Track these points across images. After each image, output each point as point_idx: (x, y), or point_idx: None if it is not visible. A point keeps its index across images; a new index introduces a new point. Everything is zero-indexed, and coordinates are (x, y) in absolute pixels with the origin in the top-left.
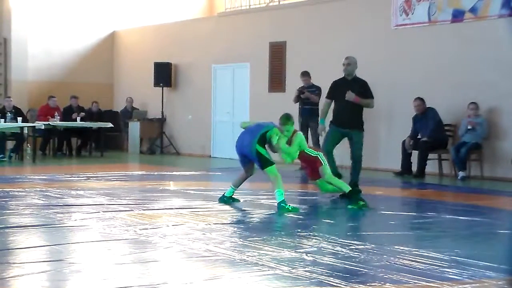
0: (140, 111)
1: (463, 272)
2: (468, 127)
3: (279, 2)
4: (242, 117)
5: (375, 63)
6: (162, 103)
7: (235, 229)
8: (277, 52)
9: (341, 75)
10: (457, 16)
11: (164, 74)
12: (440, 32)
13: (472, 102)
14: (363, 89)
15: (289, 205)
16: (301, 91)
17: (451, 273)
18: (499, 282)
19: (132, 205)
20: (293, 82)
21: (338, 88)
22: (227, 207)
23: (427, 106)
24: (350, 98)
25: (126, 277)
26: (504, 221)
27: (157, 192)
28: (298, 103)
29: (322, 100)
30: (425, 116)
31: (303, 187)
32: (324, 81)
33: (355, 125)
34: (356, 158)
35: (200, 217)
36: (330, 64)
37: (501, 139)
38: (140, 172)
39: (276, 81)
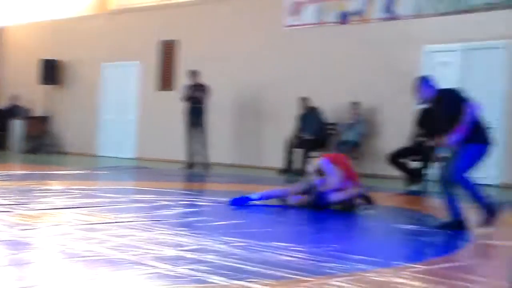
0: (24, 109)
1: (338, 266)
2: (348, 125)
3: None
4: (130, 115)
5: (264, 62)
6: (48, 101)
7: (118, 228)
8: (168, 51)
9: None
10: (344, 18)
11: (51, 72)
12: (328, 33)
13: (353, 102)
14: None
15: None
16: (194, 90)
17: (327, 268)
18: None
19: (12, 205)
20: (183, 81)
21: None
22: (110, 207)
23: (311, 106)
24: None
25: (1, 279)
26: (395, 216)
27: (39, 192)
28: (185, 101)
29: (210, 99)
30: (309, 115)
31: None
32: (214, 80)
33: None
34: None
35: (83, 216)
36: (221, 63)
37: (377, 138)
38: (22, 172)
39: (166, 80)
